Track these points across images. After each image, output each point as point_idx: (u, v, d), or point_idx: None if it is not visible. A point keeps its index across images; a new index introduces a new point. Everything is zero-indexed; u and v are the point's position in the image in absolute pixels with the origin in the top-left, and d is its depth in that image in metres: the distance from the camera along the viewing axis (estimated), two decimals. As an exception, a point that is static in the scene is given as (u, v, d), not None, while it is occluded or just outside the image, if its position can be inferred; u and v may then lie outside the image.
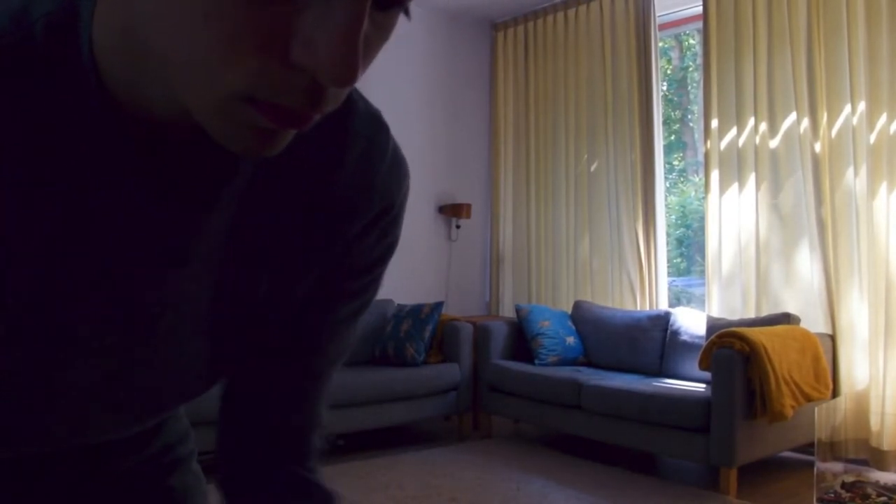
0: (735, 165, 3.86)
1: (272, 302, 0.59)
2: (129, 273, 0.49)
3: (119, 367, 0.52)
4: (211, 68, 0.36)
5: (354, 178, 0.57)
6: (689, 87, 5.97)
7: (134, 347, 0.52)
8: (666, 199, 4.66)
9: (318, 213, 0.57)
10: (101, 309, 0.49)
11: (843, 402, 3.37)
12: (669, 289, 4.64)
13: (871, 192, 3.37)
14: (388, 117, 0.59)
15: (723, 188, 3.91)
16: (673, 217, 5.51)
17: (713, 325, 3.59)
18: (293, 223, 0.56)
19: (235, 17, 0.34)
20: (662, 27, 4.58)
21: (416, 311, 4.14)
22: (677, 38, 5.59)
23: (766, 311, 3.68)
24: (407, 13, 0.39)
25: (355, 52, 0.35)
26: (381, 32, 0.38)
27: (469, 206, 5.03)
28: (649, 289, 4.37)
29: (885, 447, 3.25)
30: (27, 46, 0.41)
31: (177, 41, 0.37)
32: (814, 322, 3.49)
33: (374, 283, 0.66)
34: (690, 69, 5.85)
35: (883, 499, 2.81)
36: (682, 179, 5.86)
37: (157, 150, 0.46)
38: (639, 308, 4.34)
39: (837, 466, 3.11)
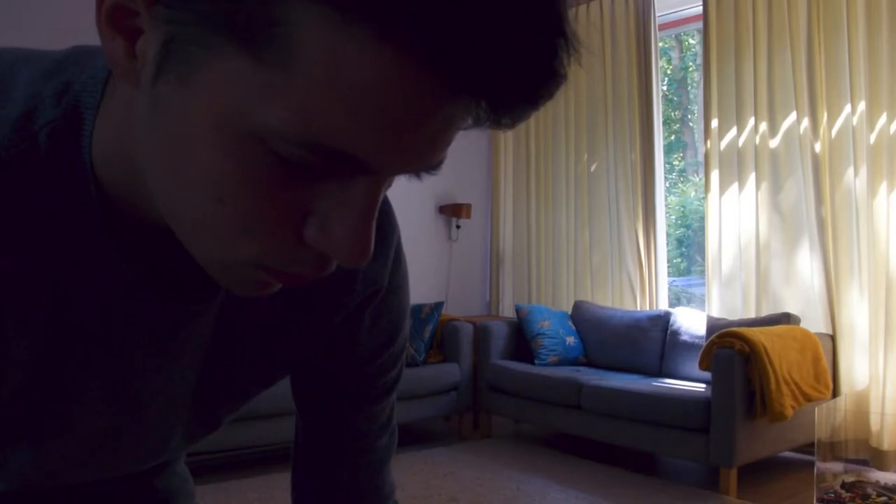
0: (735, 165, 3.86)
1: (256, 381, 0.61)
2: (124, 367, 0.50)
3: (101, 440, 0.54)
4: (221, 240, 0.36)
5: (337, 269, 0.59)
6: (689, 87, 5.97)
7: (121, 425, 0.54)
8: (666, 199, 4.66)
9: (300, 302, 0.58)
10: (96, 398, 0.50)
11: (843, 402, 3.37)
12: (669, 289, 4.64)
13: (871, 191, 3.37)
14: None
15: (723, 188, 3.91)
16: (673, 217, 5.51)
17: (713, 325, 3.59)
18: (277, 312, 0.57)
19: (252, 200, 0.34)
20: (662, 27, 4.58)
21: (416, 310, 4.14)
22: (677, 38, 5.59)
23: (766, 311, 3.68)
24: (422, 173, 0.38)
25: (369, 238, 0.35)
26: (389, 185, 0.39)
27: (469, 206, 5.03)
28: (649, 289, 4.36)
29: (885, 447, 3.24)
30: (31, 157, 0.41)
31: (187, 211, 0.36)
32: (814, 322, 3.49)
33: (387, 365, 0.69)
34: (690, 69, 5.85)
35: (883, 499, 2.80)
36: (682, 179, 5.86)
37: (153, 251, 0.46)
38: (639, 308, 4.33)
39: (837, 466, 3.11)
